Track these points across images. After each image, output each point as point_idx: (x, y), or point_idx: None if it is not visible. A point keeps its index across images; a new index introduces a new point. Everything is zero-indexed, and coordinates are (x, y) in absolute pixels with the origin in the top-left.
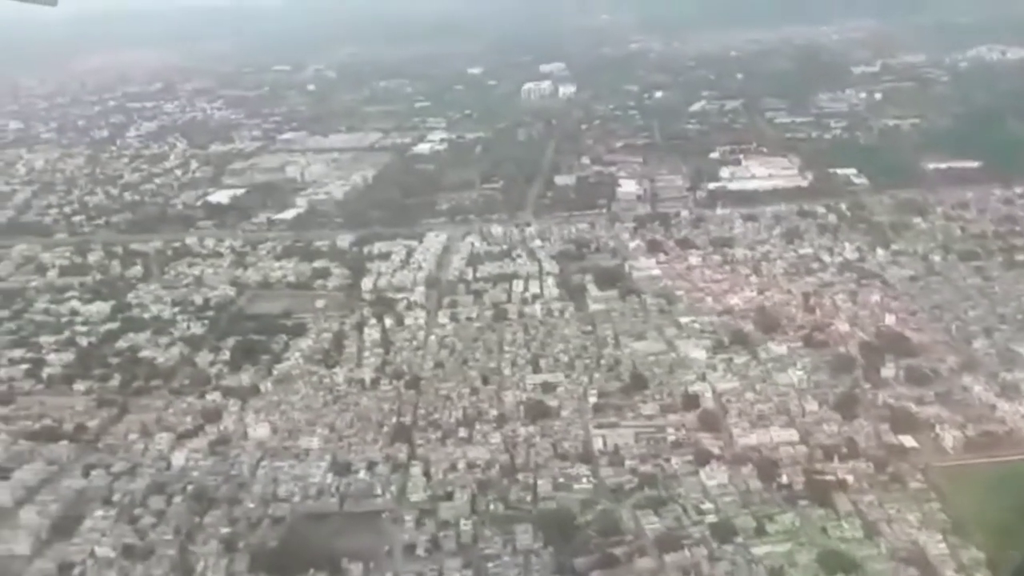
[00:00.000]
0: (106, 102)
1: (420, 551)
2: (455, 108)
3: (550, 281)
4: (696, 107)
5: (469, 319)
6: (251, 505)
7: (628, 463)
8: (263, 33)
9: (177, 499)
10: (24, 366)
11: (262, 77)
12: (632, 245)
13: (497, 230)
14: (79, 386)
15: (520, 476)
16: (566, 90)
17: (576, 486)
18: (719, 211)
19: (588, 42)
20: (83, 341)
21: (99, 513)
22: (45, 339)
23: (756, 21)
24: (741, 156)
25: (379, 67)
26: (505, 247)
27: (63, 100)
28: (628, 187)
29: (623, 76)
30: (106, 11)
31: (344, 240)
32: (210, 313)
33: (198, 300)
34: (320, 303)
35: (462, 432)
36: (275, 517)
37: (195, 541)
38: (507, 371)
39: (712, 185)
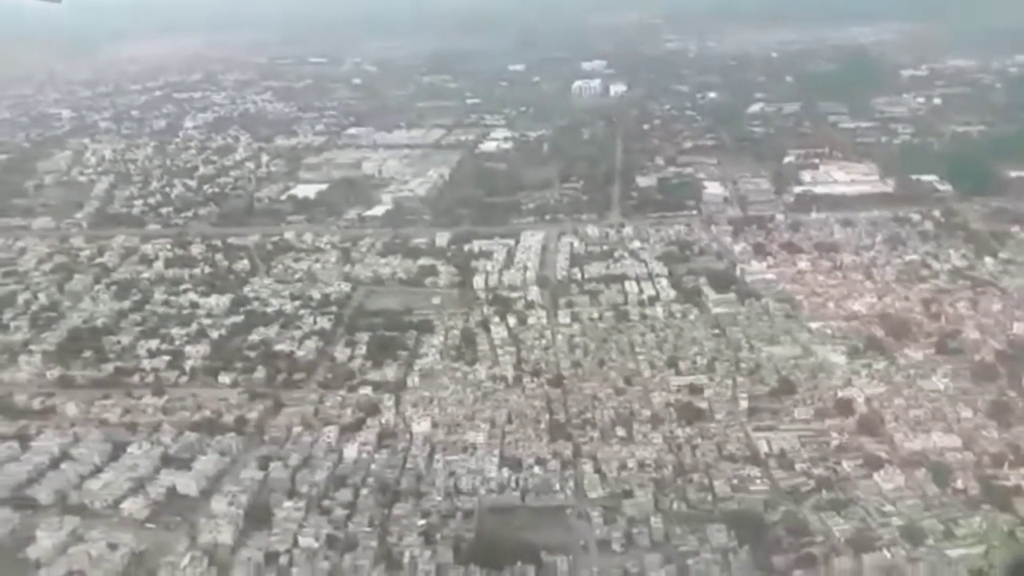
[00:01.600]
0: (151, 92)
1: (615, 547)
2: (508, 105)
3: (663, 283)
4: (754, 109)
5: (591, 319)
6: (437, 498)
7: (798, 466)
8: (280, 25)
9: (364, 491)
10: (165, 358)
11: (301, 69)
12: (738, 248)
13: (592, 231)
14: (224, 378)
15: (693, 476)
16: (617, 89)
17: (752, 487)
18: (814, 215)
19: (620, 39)
20: (213, 334)
21: (288, 504)
22: (176, 331)
23: (782, 19)
24: (817, 160)
25: (416, 62)
26: (605, 248)
27: (105, 89)
28: (713, 189)
29: (668, 75)
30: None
31: (442, 238)
32: (332, 308)
33: (316, 295)
34: (436, 300)
35: (620, 431)
36: (464, 510)
37: (391, 533)
38: (647, 372)
39: (798, 189)
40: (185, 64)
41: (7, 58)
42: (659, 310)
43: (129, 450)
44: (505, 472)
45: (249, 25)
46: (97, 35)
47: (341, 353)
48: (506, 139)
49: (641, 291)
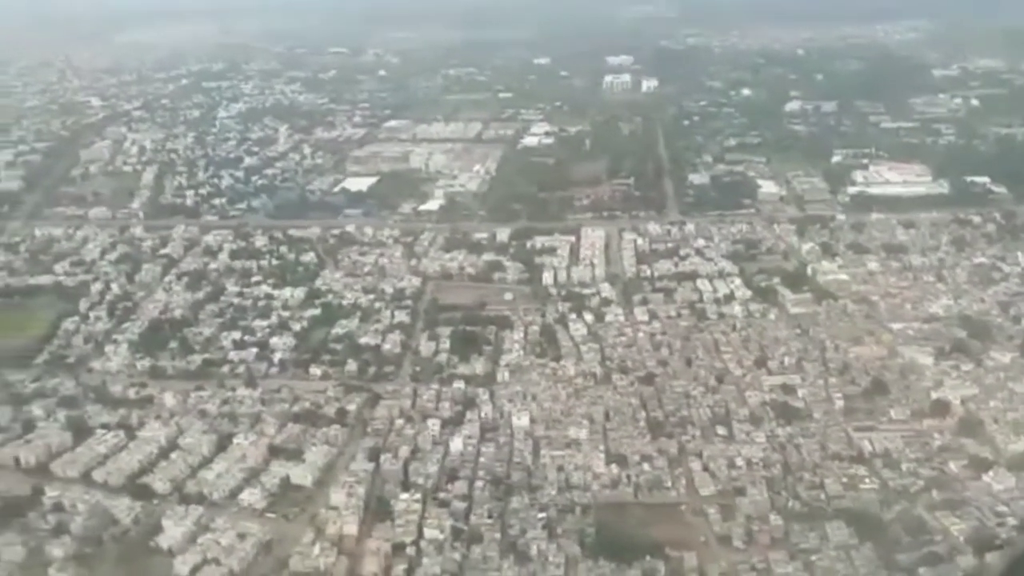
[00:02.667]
0: (177, 81)
1: (737, 543)
2: (542, 100)
3: (736, 282)
4: (792, 107)
5: (669, 317)
6: (552, 492)
7: (904, 466)
8: (285, 12)
9: (478, 484)
10: (252, 350)
11: (323, 59)
12: (805, 248)
13: (653, 228)
14: (315, 370)
15: (803, 475)
16: (648, 84)
17: (861, 486)
18: (874, 216)
19: (640, 33)
20: (295, 326)
21: (405, 496)
22: (257, 323)
23: (796, 16)
24: (866, 160)
25: (438, 53)
26: (669, 245)
27: (129, 77)
28: (768, 188)
29: (696, 71)
30: None
31: (502, 234)
32: (407, 302)
33: (388, 289)
34: (508, 296)
35: (720, 430)
36: (581, 505)
37: (511, 526)
38: (736, 371)
39: (852, 189)
40: (203, 52)
41: (20, 43)
42: (737, 309)
43: (236, 441)
44: (614, 468)
45: (253, 12)
46: (102, 20)
47: (425, 347)
48: (547, 134)
49: (715, 290)
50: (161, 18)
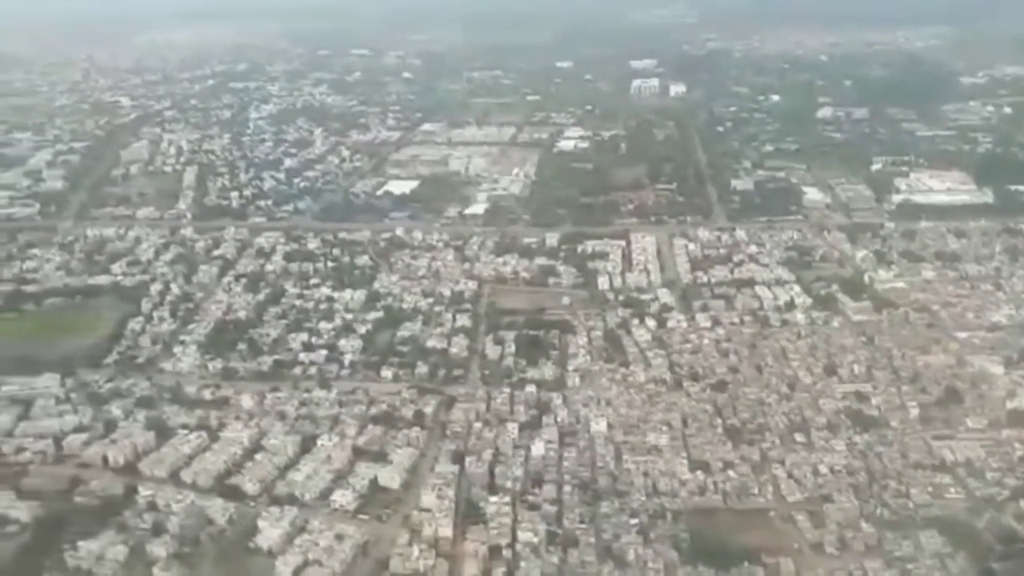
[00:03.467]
0: (203, 81)
1: (829, 550)
2: (569, 104)
3: (796, 289)
4: (824, 114)
5: (733, 324)
6: (641, 498)
7: (989, 475)
8: (305, 15)
9: (566, 488)
10: (322, 352)
11: (346, 62)
12: (859, 256)
13: (702, 234)
14: (386, 373)
15: (888, 483)
16: (676, 89)
17: (947, 495)
18: (923, 224)
19: (659, 37)
20: (360, 329)
21: (494, 499)
22: (323, 325)
23: (815, 20)
24: (906, 168)
25: (460, 56)
26: (722, 251)
27: (154, 77)
28: (813, 195)
29: (721, 76)
30: None
31: (552, 238)
32: (466, 306)
33: (445, 292)
34: (565, 300)
35: (799, 437)
36: (672, 510)
37: (604, 531)
38: (807, 379)
39: (897, 197)
40: (224, 53)
41: (41, 43)
42: (799, 316)
43: (319, 442)
44: (699, 475)
45: (268, 14)
46: (119, 21)
47: (492, 351)
48: (581, 138)
49: (775, 297)
50: (177, 20)
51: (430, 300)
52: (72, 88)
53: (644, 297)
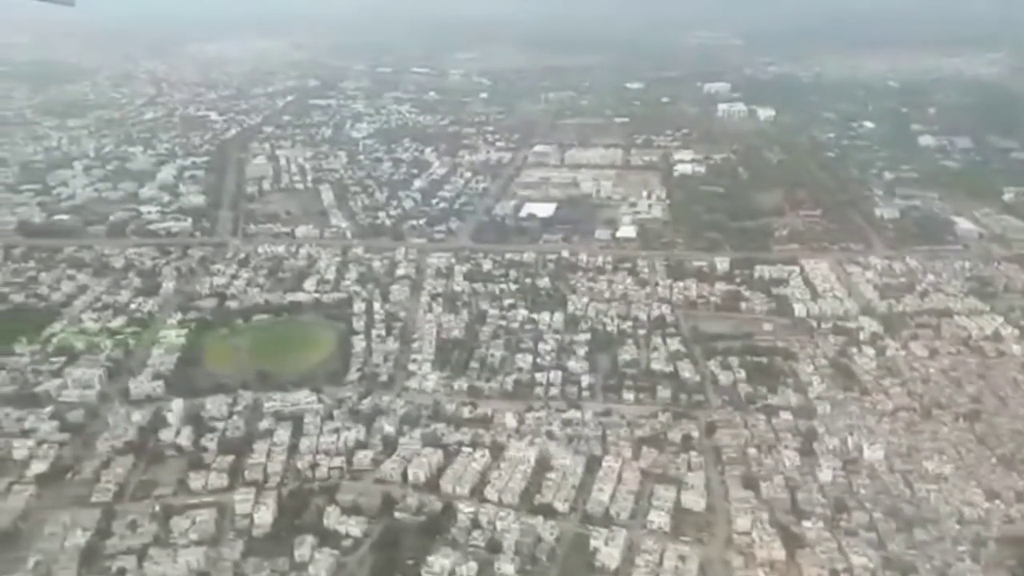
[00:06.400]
0: (280, 96)
1: None
2: (661, 126)
3: (998, 320)
4: (927, 142)
5: (950, 353)
6: (954, 525)
7: None
8: (332, 28)
9: (876, 516)
10: (558, 372)
11: (412, 78)
12: None
13: (874, 261)
14: (627, 395)
15: None
16: (766, 113)
17: None
18: None
19: (713, 59)
20: (579, 351)
21: (808, 524)
22: (541, 347)
23: (856, 44)
24: None
25: (524, 76)
26: (902, 280)
27: (228, 92)
28: (965, 224)
29: (799, 100)
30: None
31: (722, 263)
32: (670, 330)
33: (640, 315)
34: (767, 326)
35: None
36: (990, 538)
37: (933, 557)
38: None
39: None
40: (284, 68)
41: (89, 54)
42: (1015, 348)
43: (605, 463)
44: (999, 504)
45: (291, 28)
46: (161, 32)
47: (724, 376)
48: (694, 161)
49: (981, 328)
50: (217, 31)
51: (629, 323)
52: (150, 101)
53: (850, 325)
